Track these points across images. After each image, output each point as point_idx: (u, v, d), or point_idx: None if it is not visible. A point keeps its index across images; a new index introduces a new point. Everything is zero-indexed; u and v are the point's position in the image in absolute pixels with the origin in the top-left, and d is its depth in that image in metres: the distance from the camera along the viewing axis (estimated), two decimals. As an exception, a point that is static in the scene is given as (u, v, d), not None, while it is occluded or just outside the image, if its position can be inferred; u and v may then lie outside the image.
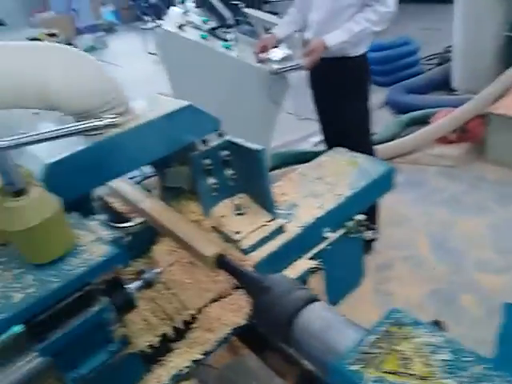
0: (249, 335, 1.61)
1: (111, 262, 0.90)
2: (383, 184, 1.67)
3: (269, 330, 0.98)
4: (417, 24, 7.97)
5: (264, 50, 2.94)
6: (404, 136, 4.32)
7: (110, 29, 11.65)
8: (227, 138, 1.42)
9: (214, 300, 1.32)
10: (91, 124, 1.08)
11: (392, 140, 4.30)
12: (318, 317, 0.88)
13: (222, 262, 1.13)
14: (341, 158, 1.81)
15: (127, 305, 1.05)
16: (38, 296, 0.82)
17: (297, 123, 5.51)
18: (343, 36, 2.59)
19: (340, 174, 1.70)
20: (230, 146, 1.42)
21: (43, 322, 0.85)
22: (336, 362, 0.74)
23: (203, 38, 2.93)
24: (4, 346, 0.94)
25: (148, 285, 1.12)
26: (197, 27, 3.05)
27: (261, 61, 2.92)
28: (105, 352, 1.02)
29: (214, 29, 3.08)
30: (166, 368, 1.20)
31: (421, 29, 7.64)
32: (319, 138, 4.92)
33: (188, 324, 1.26)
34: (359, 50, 2.75)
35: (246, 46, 3.13)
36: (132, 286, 1.07)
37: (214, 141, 1.42)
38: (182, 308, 1.26)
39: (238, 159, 1.43)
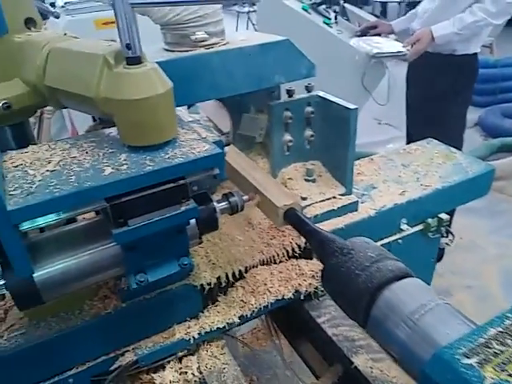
0: (287, 319, 1.47)
1: (211, 160, 0.77)
2: (479, 185, 1.45)
3: (341, 303, 0.81)
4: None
5: (365, 31, 2.79)
6: (491, 161, 3.97)
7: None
8: (316, 92, 1.27)
9: (264, 263, 1.18)
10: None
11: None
12: (410, 295, 0.71)
13: (291, 216, 0.98)
14: (433, 148, 1.61)
15: (210, 223, 0.93)
16: (129, 174, 0.72)
17: (376, 127, 5.27)
18: (453, 27, 2.33)
19: (431, 165, 1.50)
20: (318, 102, 1.27)
21: (128, 205, 0.73)
22: (442, 352, 0.57)
23: (304, 9, 2.81)
24: (85, 227, 0.87)
25: (232, 210, 0.98)
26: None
27: (357, 35, 2.79)
28: (175, 264, 0.90)
29: (317, 4, 2.93)
30: (199, 322, 1.09)
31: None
32: (398, 144, 4.70)
33: (234, 279, 1.13)
34: (470, 48, 2.47)
35: (345, 28, 2.97)
36: (218, 205, 0.95)
37: (300, 93, 1.27)
38: (232, 261, 1.13)
39: (323, 119, 1.28)
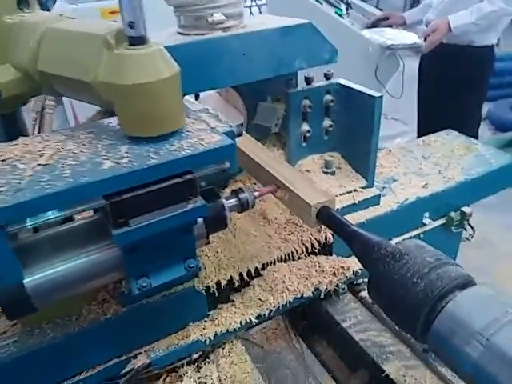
0: (304, 319, 1.41)
1: (221, 152, 0.69)
2: (504, 177, 1.39)
3: (394, 314, 0.73)
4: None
5: (376, 23, 2.72)
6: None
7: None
8: (336, 80, 1.20)
9: (282, 260, 1.12)
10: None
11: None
12: (480, 307, 0.64)
13: (326, 216, 0.90)
14: (454, 140, 1.55)
15: (218, 221, 0.85)
16: (131, 168, 0.64)
17: (382, 121, 5.20)
18: (471, 16, 2.27)
19: (452, 157, 1.44)
20: (338, 90, 1.21)
21: (129, 202, 0.65)
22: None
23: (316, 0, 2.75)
24: (81, 227, 0.79)
25: (242, 207, 0.91)
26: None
27: (367, 27, 2.74)
28: (181, 267, 0.81)
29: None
30: (214, 323, 1.03)
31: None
32: (406, 139, 4.62)
33: (250, 278, 1.07)
34: (487, 39, 2.41)
35: (356, 20, 2.90)
36: (226, 201, 0.88)
37: (319, 81, 1.21)
38: (247, 258, 1.07)
39: (343, 108, 1.22)
